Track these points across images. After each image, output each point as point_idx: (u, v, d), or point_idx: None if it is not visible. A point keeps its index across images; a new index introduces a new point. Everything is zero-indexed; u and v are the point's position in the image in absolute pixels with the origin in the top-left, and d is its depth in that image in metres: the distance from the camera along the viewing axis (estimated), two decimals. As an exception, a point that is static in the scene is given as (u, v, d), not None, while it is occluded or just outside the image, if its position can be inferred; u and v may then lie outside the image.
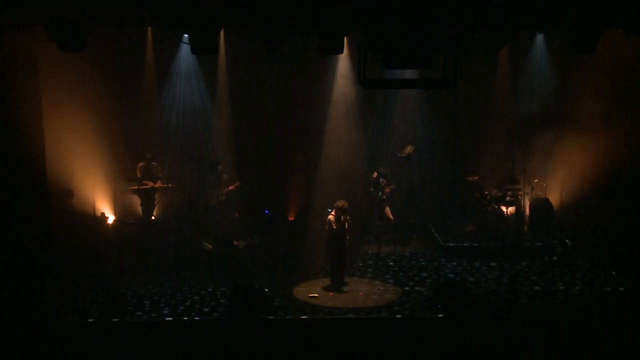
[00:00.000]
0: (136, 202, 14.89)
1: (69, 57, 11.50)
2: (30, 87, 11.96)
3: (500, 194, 14.76)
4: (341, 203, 12.11)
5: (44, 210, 12.35)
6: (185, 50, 14.49)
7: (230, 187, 15.02)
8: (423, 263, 13.67)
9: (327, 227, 12.10)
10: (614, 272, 12.79)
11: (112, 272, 12.86)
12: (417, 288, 12.11)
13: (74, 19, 10.40)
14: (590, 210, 14.03)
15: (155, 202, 14.90)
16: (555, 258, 13.50)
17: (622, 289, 12.09)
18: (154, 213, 14.88)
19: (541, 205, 14.89)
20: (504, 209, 14.57)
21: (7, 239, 10.90)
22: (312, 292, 11.88)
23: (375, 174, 15.05)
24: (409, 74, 13.11)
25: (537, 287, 12.12)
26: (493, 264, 13.44)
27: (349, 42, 13.88)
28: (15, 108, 11.24)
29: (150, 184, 14.71)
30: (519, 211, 14.71)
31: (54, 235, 12.64)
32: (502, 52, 14.17)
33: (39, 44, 11.56)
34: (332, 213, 12.14)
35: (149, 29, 14.75)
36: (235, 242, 14.28)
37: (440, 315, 10.63)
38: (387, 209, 14.99)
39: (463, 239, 14.45)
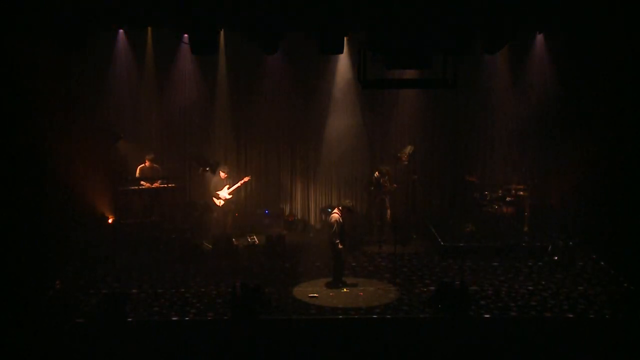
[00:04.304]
0: (136, 202, 14.88)
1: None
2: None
3: (500, 194, 14.75)
4: (348, 202, 12.09)
5: (46, 210, 12.37)
6: (185, 50, 14.55)
7: (239, 183, 15.01)
8: (423, 263, 13.66)
9: (332, 226, 12.06)
10: (612, 270, 12.80)
11: (112, 272, 12.86)
12: (417, 290, 12.10)
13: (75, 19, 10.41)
14: (590, 209, 14.02)
15: (155, 203, 14.89)
16: (556, 258, 13.50)
17: (625, 285, 12.11)
18: (154, 213, 14.85)
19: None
20: (504, 208, 14.58)
21: (7, 239, 10.92)
22: (312, 292, 11.87)
23: (377, 174, 15.04)
24: (409, 74, 13.16)
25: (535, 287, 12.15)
26: (494, 263, 13.43)
27: (349, 42, 13.92)
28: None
29: (147, 184, 14.70)
30: (519, 211, 14.68)
31: (55, 235, 12.67)
32: (502, 52, 14.21)
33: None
34: (336, 211, 12.13)
35: (149, 28, 14.77)
36: (235, 242, 14.30)
37: (440, 315, 10.63)
38: (388, 209, 14.98)
39: (463, 239, 14.43)
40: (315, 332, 10.34)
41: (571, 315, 10.87)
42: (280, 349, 9.72)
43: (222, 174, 14.92)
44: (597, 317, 10.77)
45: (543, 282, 12.35)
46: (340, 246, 11.96)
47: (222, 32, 14.41)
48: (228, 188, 14.92)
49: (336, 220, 12.00)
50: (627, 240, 12.65)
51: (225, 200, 14.88)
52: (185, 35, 13.54)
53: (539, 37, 15.04)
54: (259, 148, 16.00)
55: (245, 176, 15.18)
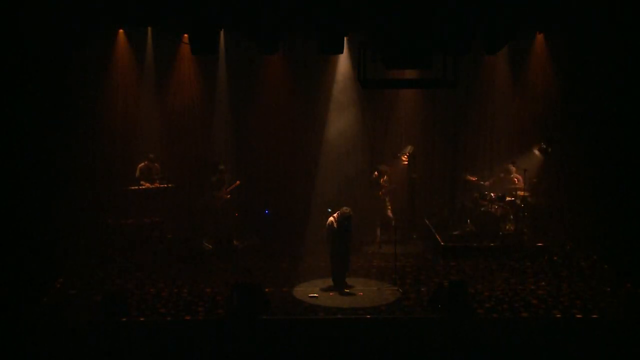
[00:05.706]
0: (136, 202, 14.87)
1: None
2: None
3: (500, 194, 14.76)
4: (346, 210, 12.01)
5: (45, 210, 12.38)
6: (185, 50, 14.57)
7: (231, 186, 15.06)
8: (423, 263, 13.67)
9: (326, 228, 12.07)
10: (612, 270, 12.80)
11: (112, 272, 12.86)
12: (417, 290, 12.09)
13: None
14: (590, 209, 14.02)
15: (155, 202, 14.88)
16: (555, 258, 13.50)
17: (625, 285, 12.10)
18: (154, 213, 14.85)
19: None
20: (503, 208, 14.59)
21: (7, 239, 10.92)
22: (312, 292, 11.87)
23: (376, 174, 15.05)
24: (409, 74, 13.17)
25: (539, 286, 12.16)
26: (493, 263, 13.43)
27: (349, 42, 13.92)
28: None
29: (147, 184, 14.70)
30: (519, 211, 14.68)
31: (56, 235, 12.68)
32: (502, 52, 14.21)
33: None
34: (334, 215, 12.12)
35: (149, 28, 14.78)
36: (235, 242, 14.30)
37: (440, 315, 10.63)
38: (389, 209, 14.98)
39: (463, 239, 14.43)
40: (315, 332, 10.35)
41: (570, 315, 10.86)
42: (280, 349, 9.72)
43: (220, 174, 14.93)
44: (597, 317, 10.76)
45: (542, 282, 12.35)
46: (331, 250, 11.97)
47: (222, 32, 14.41)
48: (226, 188, 14.93)
49: (328, 225, 12.03)
50: (627, 240, 12.66)
51: (223, 200, 14.88)
52: (185, 35, 13.56)
53: (539, 37, 15.05)
54: (259, 148, 15.99)
55: (237, 180, 15.19)
